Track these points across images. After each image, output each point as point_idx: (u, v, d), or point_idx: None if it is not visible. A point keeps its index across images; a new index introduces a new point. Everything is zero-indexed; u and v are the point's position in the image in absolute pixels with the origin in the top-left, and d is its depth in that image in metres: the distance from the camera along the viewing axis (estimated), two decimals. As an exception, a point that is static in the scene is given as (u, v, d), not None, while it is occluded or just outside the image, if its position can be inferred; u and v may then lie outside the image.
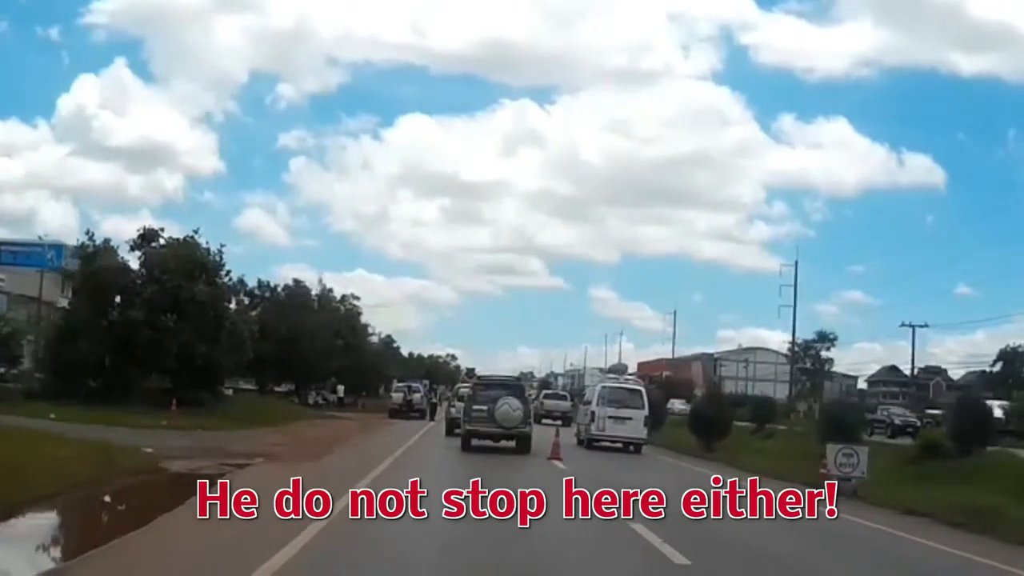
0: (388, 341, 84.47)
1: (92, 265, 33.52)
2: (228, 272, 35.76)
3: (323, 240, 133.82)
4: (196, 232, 35.37)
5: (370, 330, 73.19)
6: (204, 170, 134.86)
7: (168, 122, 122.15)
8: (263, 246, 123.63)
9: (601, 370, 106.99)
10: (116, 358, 34.48)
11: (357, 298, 62.17)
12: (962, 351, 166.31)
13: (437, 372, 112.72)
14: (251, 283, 54.55)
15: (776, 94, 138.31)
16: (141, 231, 36.33)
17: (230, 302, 37.89)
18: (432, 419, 46.20)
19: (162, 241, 36.15)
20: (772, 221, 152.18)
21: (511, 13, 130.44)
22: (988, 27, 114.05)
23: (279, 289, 55.06)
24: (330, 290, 59.83)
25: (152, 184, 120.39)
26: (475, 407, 24.92)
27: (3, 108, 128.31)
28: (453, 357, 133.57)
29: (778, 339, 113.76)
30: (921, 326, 74.27)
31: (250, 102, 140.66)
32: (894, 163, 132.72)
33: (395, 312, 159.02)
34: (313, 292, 58.01)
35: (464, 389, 33.63)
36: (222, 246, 35.64)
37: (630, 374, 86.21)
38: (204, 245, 35.12)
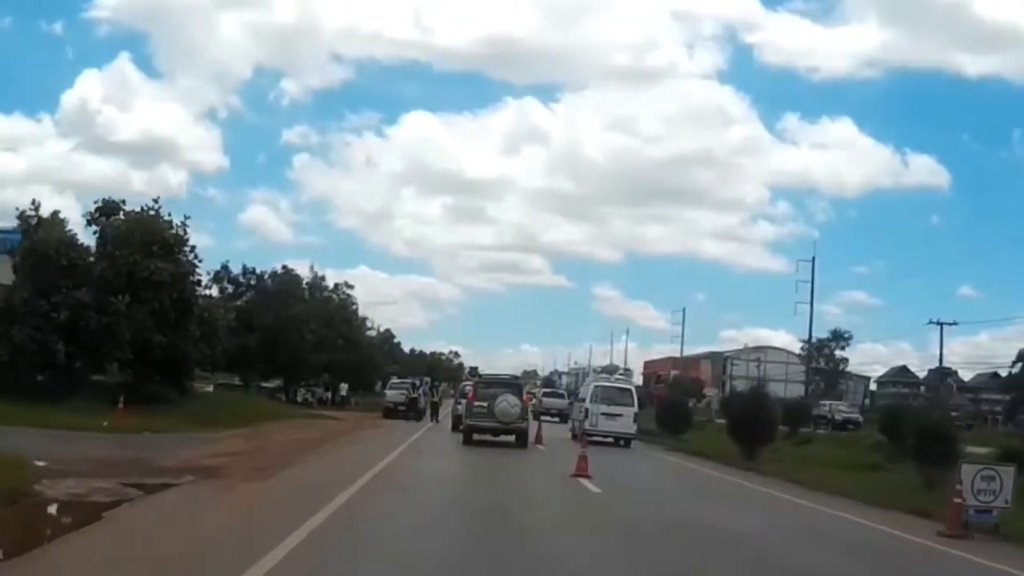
0: (387, 336, 78.95)
1: (33, 238, 28.06)
2: (193, 248, 30.13)
3: (326, 237, 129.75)
4: (156, 202, 29.80)
5: (368, 324, 67.88)
6: (208, 166, 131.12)
7: (172, 117, 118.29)
8: (266, 242, 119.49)
9: (595, 370, 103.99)
10: (66, 347, 29.14)
11: (351, 287, 56.32)
12: (965, 352, 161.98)
13: (439, 369, 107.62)
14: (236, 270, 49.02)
15: (780, 94, 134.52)
16: (99, 203, 30.91)
17: (200, 285, 32.24)
18: (435, 419, 39.85)
19: (123, 216, 30.67)
20: (776, 221, 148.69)
21: (515, 11, 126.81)
22: (993, 28, 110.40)
23: (266, 276, 49.17)
24: (322, 278, 54.01)
25: (156, 179, 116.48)
26: (476, 404, 25.64)
27: (7, 102, 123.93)
28: (456, 354, 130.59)
29: (782, 339, 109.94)
30: (950, 323, 69.28)
31: (254, 98, 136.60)
32: (898, 164, 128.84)
33: (398, 309, 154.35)
34: (305, 281, 52.28)
35: (470, 387, 33.09)
36: (186, 217, 30.08)
37: (622, 372, 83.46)
38: (167, 218, 29.59)
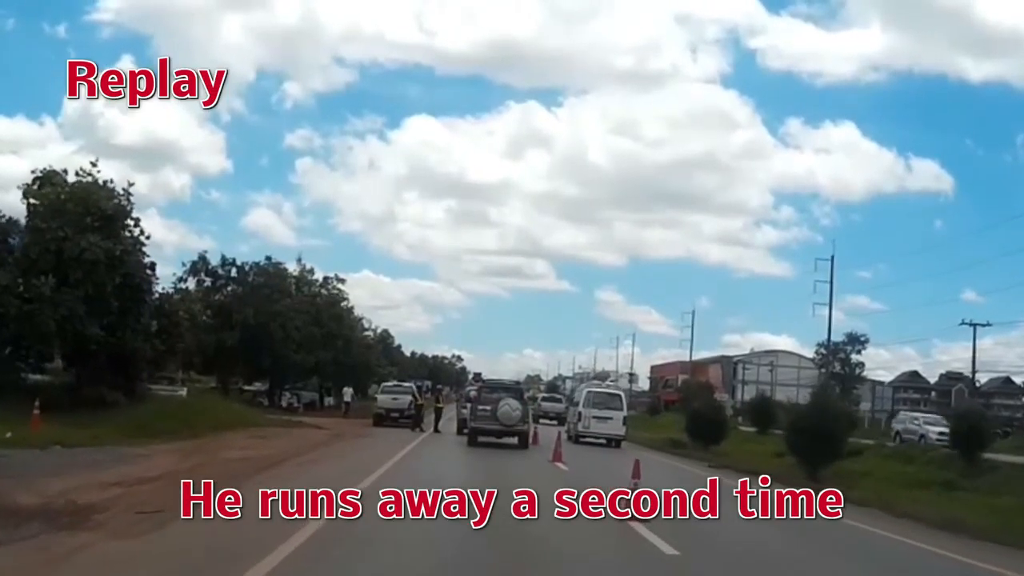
0: (384, 336, 72.98)
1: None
2: (138, 222, 24.40)
3: (329, 240, 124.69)
4: (95, 165, 24.01)
5: (366, 324, 62.06)
6: (211, 169, 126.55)
7: (175, 120, 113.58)
8: (269, 246, 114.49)
9: (591, 375, 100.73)
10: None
11: (342, 280, 50.06)
12: (968, 357, 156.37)
13: (441, 373, 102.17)
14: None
15: (784, 98, 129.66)
16: (39, 173, 25.26)
17: (153, 269, 26.50)
18: (436, 428, 33.06)
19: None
20: (780, 225, 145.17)
21: (518, 14, 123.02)
22: (997, 32, 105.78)
23: (247, 268, 43.14)
24: (310, 270, 47.98)
25: (159, 183, 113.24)
26: (480, 407, 26.16)
27: (10, 105, 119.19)
28: (459, 358, 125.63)
29: (785, 344, 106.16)
30: (983, 324, 63.72)
31: (257, 101, 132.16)
32: (902, 168, 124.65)
33: (401, 313, 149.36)
34: (292, 274, 46.39)
35: (474, 392, 32.80)
36: (130, 184, 24.31)
37: (612, 381, 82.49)
38: (108, 185, 23.81)
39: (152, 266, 26.37)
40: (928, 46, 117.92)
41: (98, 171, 23.85)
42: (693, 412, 34.08)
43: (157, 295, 28.38)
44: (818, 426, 21.95)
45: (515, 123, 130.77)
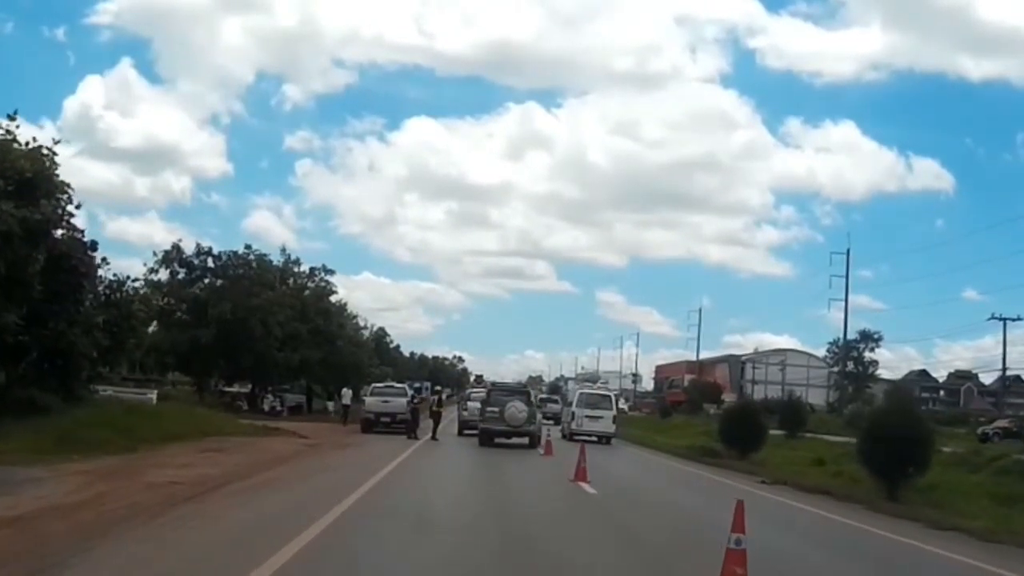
0: (380, 334, 68.34)
1: None
2: (66, 188, 19.72)
3: (330, 243, 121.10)
4: (13, 119, 19.30)
5: (361, 323, 57.48)
6: (211, 172, 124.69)
7: (175, 123, 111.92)
8: (269, 249, 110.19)
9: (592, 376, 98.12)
10: None
11: (331, 272, 45.46)
12: (970, 356, 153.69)
13: (442, 374, 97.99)
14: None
15: (784, 97, 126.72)
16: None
17: (95, 249, 21.94)
18: (434, 435, 28.72)
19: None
20: (780, 225, 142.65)
21: (517, 15, 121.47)
22: (997, 32, 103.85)
23: (224, 257, 38.40)
24: (296, 261, 43.37)
25: (159, 185, 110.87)
26: (488, 408, 27.29)
27: (9, 108, 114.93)
28: (460, 359, 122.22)
29: (786, 344, 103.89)
30: (1014, 319, 59.45)
31: (256, 103, 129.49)
32: (902, 167, 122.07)
33: (402, 315, 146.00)
34: (276, 265, 41.82)
35: (475, 394, 34.02)
36: (56, 142, 19.63)
37: (603, 383, 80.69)
38: (26, 145, 19.10)
39: (93, 246, 21.90)
40: (928, 45, 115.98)
41: (17, 126, 19.17)
42: (727, 415, 29.66)
43: (107, 282, 23.90)
44: (904, 433, 17.48)
45: (515, 124, 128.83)
